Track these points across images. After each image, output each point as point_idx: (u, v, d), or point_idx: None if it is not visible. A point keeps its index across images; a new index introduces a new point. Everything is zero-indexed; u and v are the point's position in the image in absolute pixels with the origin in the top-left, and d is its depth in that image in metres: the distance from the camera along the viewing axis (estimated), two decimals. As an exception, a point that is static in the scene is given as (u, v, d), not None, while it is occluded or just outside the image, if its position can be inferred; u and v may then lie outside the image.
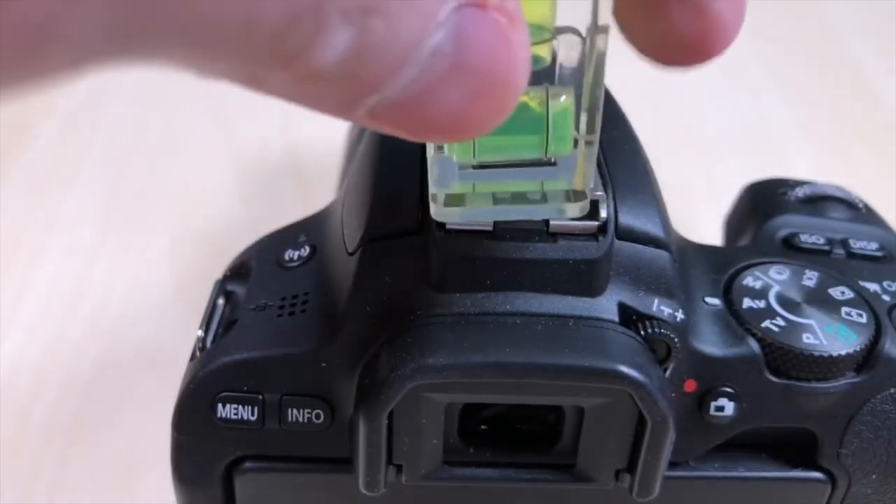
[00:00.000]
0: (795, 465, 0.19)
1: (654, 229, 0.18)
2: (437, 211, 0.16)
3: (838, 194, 0.24)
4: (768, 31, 0.49)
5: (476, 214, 0.16)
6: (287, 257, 0.20)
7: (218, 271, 0.21)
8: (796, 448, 0.19)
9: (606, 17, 0.14)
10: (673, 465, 0.18)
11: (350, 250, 0.18)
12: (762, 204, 0.24)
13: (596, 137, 0.15)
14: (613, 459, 0.18)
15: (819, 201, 0.24)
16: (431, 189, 0.16)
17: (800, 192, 0.24)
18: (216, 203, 0.37)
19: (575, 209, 0.16)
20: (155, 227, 0.36)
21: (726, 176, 0.36)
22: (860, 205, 0.24)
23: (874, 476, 0.19)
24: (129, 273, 0.34)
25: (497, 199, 0.16)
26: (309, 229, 0.21)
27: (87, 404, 0.29)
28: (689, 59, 0.16)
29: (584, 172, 0.16)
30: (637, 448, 0.17)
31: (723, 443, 0.19)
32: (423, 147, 0.17)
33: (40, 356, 0.31)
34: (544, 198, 0.16)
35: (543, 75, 0.15)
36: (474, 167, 0.16)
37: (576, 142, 0.15)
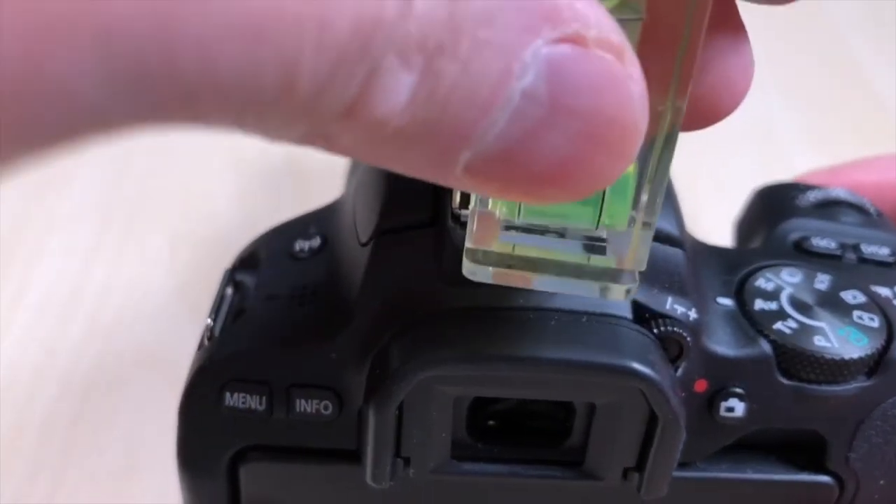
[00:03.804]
0: (804, 468, 0.19)
1: (669, 227, 0.18)
2: (469, 268, 0.15)
3: (850, 199, 0.24)
4: (771, 32, 0.48)
5: (509, 278, 0.15)
6: (298, 248, 0.20)
7: (217, 271, 0.21)
8: (805, 451, 0.19)
9: (686, 89, 0.13)
10: (681, 465, 0.18)
11: (363, 241, 0.18)
12: (773, 207, 0.24)
13: (655, 219, 0.14)
14: (622, 457, 0.17)
15: (831, 206, 0.24)
16: (467, 244, 0.15)
17: (811, 196, 0.24)
18: (216, 203, 0.37)
19: (620, 292, 0.15)
20: (154, 226, 0.36)
21: (729, 176, 0.36)
22: (872, 210, 0.24)
23: (882, 481, 0.19)
24: (129, 273, 0.34)
25: (535, 266, 0.15)
26: (320, 220, 0.21)
27: (87, 404, 0.29)
28: (694, 124, 0.15)
29: (636, 253, 0.14)
30: (647, 446, 0.17)
31: (731, 444, 0.19)
32: None
33: (39, 356, 0.30)
34: (588, 273, 0.15)
35: None
36: (518, 228, 0.15)
37: (632, 219, 0.14)
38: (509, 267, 0.15)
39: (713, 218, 0.28)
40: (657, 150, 0.13)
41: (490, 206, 0.14)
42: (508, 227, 0.14)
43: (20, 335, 0.31)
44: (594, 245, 0.15)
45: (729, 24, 0.14)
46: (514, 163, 0.11)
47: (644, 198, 0.14)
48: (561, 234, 0.15)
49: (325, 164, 0.33)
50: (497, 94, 0.10)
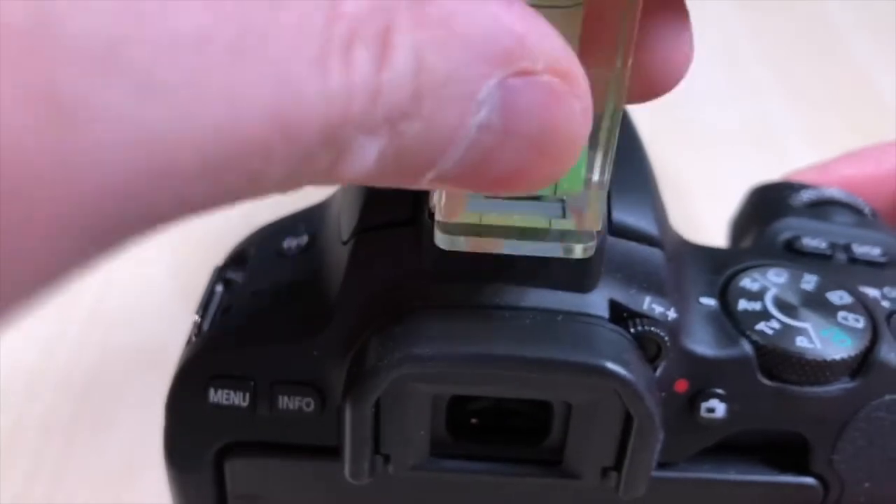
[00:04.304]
0: (787, 470, 0.19)
1: (648, 227, 0.18)
2: (441, 238, 0.16)
3: (844, 199, 0.24)
4: (770, 30, 0.48)
5: (480, 245, 0.16)
6: (286, 246, 0.20)
7: (217, 271, 0.21)
8: (789, 452, 0.19)
9: (628, 56, 0.14)
10: (663, 465, 0.18)
11: (344, 240, 0.18)
12: (766, 206, 0.24)
13: (607, 182, 0.15)
14: (600, 457, 0.18)
15: (824, 205, 0.24)
16: (438, 217, 0.16)
17: (805, 195, 0.24)
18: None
19: (581, 250, 0.16)
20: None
21: (727, 175, 0.36)
22: (866, 210, 0.24)
23: (867, 484, 0.19)
24: (129, 272, 0.34)
25: (503, 232, 0.16)
26: (309, 219, 0.21)
27: (86, 404, 0.29)
28: (635, 98, 0.15)
29: (593, 213, 0.16)
30: (624, 446, 0.17)
31: (714, 445, 0.19)
32: None
33: (38, 356, 0.31)
34: (551, 235, 0.16)
35: None
36: (483, 198, 0.16)
37: (587, 184, 0.15)
38: (479, 235, 0.16)
39: (712, 218, 0.28)
40: (606, 120, 0.14)
41: None
42: (474, 199, 0.16)
43: (19, 335, 0.31)
44: (554, 209, 0.16)
45: (670, 5, 0.15)
46: (473, 175, 0.12)
47: (596, 164, 0.15)
48: (523, 200, 0.16)
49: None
50: (457, 133, 0.11)
